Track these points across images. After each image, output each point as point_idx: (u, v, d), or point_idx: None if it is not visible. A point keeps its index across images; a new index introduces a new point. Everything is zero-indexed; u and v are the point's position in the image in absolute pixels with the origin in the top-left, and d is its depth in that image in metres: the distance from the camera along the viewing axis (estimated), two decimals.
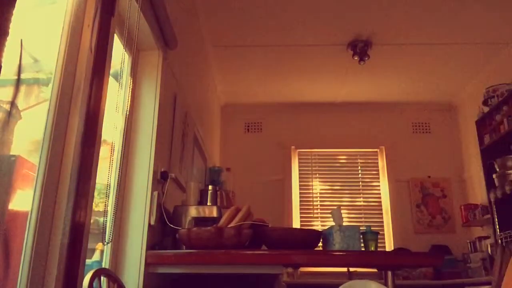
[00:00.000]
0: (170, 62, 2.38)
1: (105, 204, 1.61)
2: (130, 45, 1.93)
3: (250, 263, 1.86)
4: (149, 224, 1.95)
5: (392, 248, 4.49)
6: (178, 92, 2.57)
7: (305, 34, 3.69)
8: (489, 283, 3.52)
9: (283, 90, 4.76)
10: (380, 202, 4.81)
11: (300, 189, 4.85)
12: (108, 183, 1.60)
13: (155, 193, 2.01)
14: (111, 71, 1.69)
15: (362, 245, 2.10)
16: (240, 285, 2.23)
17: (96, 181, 1.47)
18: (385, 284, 1.99)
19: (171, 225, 2.10)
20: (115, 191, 1.88)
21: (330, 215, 2.09)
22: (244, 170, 4.73)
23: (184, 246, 1.98)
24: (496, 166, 3.54)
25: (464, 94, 4.72)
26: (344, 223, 2.03)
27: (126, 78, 2.03)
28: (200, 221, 2.17)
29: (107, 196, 1.61)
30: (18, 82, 1.26)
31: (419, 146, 4.93)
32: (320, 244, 2.12)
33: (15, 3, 0.97)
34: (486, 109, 3.88)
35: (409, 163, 4.84)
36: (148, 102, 2.13)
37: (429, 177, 4.81)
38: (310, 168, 4.94)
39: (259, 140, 5.02)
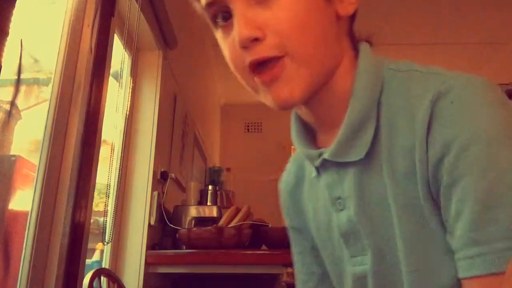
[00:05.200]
0: (170, 62, 2.38)
1: (105, 204, 1.61)
2: (130, 45, 1.93)
3: (250, 263, 1.86)
4: (149, 224, 1.95)
5: None
6: (178, 92, 2.57)
7: None
8: None
9: None
10: None
11: None
12: (108, 183, 1.60)
13: (155, 193, 2.01)
14: (111, 71, 1.69)
15: None
16: (240, 285, 2.23)
17: (96, 181, 1.47)
18: None
19: (171, 225, 2.10)
20: (115, 191, 1.88)
21: None
22: (244, 170, 4.72)
23: (184, 246, 1.98)
24: None
25: None
26: None
27: (126, 78, 2.03)
28: (200, 221, 2.17)
29: (107, 196, 1.61)
30: (18, 82, 1.26)
31: None
32: None
33: (15, 3, 0.98)
34: None
35: None
36: (148, 102, 2.13)
37: None
38: None
39: (259, 140, 5.02)
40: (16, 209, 1.29)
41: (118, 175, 1.89)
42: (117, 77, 1.80)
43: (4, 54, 0.91)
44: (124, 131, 1.98)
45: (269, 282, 2.35)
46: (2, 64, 0.90)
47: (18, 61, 1.24)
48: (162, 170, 2.16)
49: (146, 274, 1.88)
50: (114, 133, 1.80)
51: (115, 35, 1.73)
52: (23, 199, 1.28)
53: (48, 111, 1.34)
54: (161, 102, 2.16)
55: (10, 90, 1.25)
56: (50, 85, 1.38)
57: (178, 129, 2.55)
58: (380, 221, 0.53)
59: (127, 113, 1.98)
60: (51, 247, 1.27)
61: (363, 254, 0.56)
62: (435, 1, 3.24)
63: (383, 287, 0.55)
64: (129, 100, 2.00)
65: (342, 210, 0.57)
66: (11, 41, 0.95)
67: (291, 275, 4.17)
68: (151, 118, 2.10)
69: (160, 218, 2.07)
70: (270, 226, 2.09)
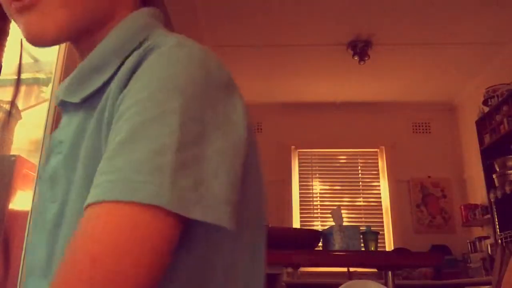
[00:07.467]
0: None
1: None
2: None
3: None
4: None
5: (392, 248, 4.49)
6: None
7: (305, 34, 3.69)
8: (489, 283, 3.52)
9: (283, 90, 4.76)
10: (380, 202, 4.81)
11: (300, 189, 4.85)
12: None
13: None
14: None
15: (362, 245, 2.10)
16: None
17: None
18: (385, 284, 1.99)
19: None
20: None
21: (330, 215, 2.09)
22: None
23: None
24: (496, 166, 3.55)
25: (464, 94, 4.72)
26: (344, 223, 2.03)
27: None
28: None
29: None
30: (18, 82, 1.26)
31: (419, 146, 4.93)
32: (320, 244, 2.12)
33: None
34: (486, 109, 3.88)
35: (409, 163, 4.84)
36: None
37: (429, 177, 4.81)
38: (310, 168, 4.93)
39: (259, 140, 4.92)
40: (16, 209, 1.29)
41: None
42: None
43: (4, 54, 0.92)
44: None
45: (269, 282, 2.35)
46: (2, 64, 0.90)
47: (18, 61, 1.24)
48: None
49: None
50: None
51: None
52: (23, 199, 1.28)
53: (48, 111, 1.34)
54: None
55: (10, 90, 1.25)
56: (50, 85, 1.38)
57: None
58: (78, 172, 0.50)
59: None
60: None
61: (54, 201, 0.53)
62: (434, 1, 3.24)
63: (55, 240, 0.51)
64: None
65: (59, 153, 0.54)
66: (11, 41, 0.95)
67: (291, 275, 4.17)
68: None
69: None
70: (270, 226, 2.10)
